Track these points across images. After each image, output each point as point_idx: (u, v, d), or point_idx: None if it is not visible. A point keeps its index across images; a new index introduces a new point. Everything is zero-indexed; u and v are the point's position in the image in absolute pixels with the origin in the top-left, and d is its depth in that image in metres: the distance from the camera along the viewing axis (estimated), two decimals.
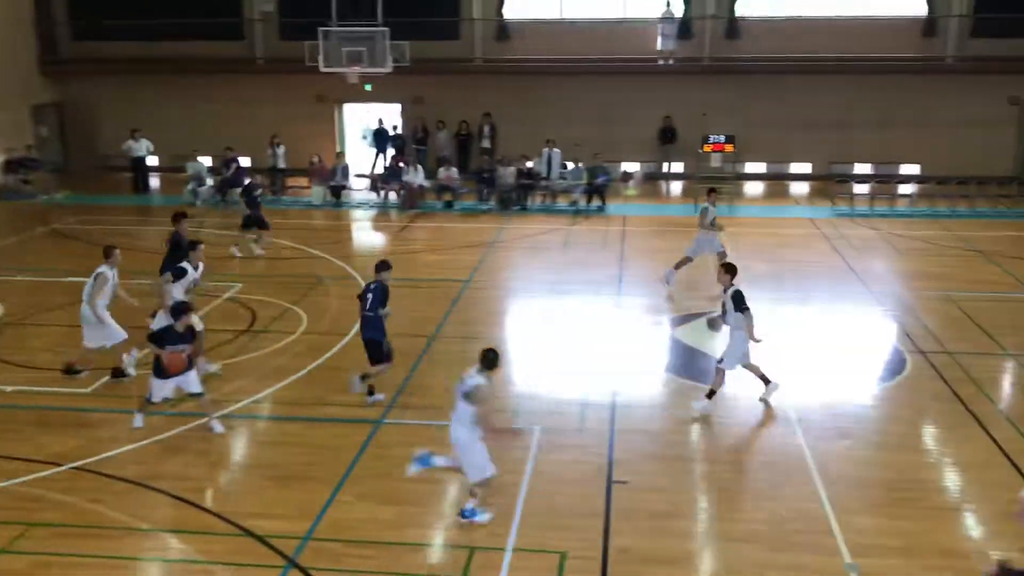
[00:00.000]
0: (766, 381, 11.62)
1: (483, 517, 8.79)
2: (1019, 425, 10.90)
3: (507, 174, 24.24)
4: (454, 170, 25.16)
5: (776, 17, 27.25)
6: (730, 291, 11.33)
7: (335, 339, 13.77)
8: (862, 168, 27.58)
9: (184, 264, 12.33)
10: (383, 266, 11.48)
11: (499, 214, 23.54)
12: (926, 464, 10.18)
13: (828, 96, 27.10)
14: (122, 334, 12.12)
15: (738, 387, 12.30)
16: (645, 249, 19.85)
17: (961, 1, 26.33)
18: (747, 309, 11.16)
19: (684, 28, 27.39)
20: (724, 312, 11.52)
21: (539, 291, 16.81)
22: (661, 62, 27.33)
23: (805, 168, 28.26)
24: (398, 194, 24.82)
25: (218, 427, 10.73)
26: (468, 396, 8.44)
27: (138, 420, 10.79)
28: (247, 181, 20.59)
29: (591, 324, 14.83)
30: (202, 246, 12.63)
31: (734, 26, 27.44)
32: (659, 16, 27.13)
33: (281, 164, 26.09)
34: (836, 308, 15.70)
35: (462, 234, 21.41)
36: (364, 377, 11.59)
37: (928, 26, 26.65)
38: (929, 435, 10.91)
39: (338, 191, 25.15)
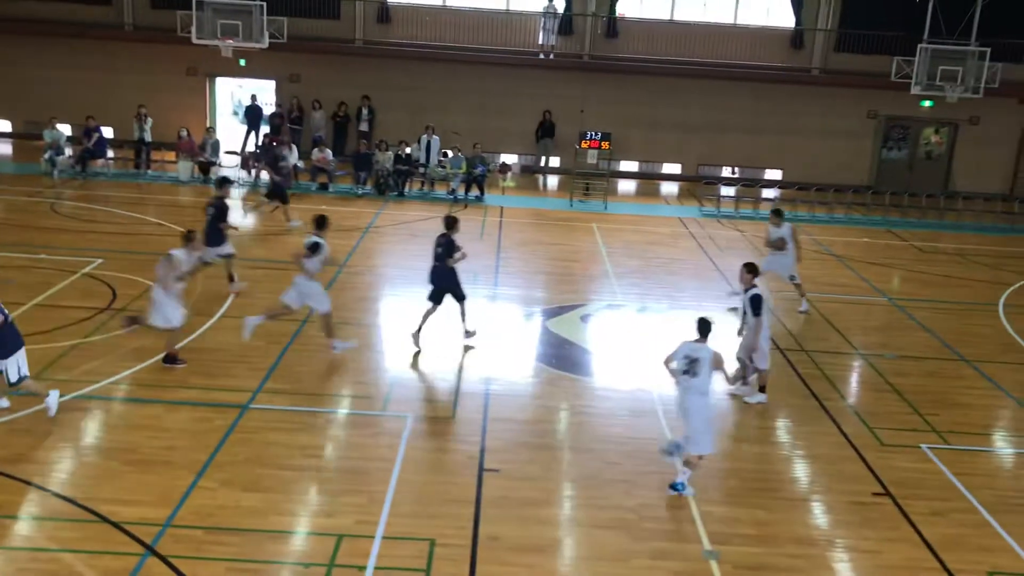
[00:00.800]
0: (744, 381, 11.98)
1: (690, 491, 9.33)
2: (867, 420, 11.54)
3: (385, 159, 23.96)
4: (329, 152, 24.67)
5: (654, 20, 27.89)
6: (749, 293, 11.53)
7: (200, 320, 13.29)
8: (729, 171, 28.59)
9: (319, 239, 12.34)
10: (453, 223, 13.14)
11: (375, 199, 23.24)
12: (781, 456, 10.64)
13: (700, 100, 27.95)
14: (179, 320, 11.67)
15: (609, 379, 12.58)
16: (522, 241, 19.99)
17: (827, 16, 27.61)
18: (759, 315, 11.39)
19: (565, 24, 27.71)
20: (744, 313, 11.72)
21: (415, 278, 16.64)
22: (542, 56, 27.56)
23: (675, 169, 29.07)
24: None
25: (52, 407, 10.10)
26: (716, 363, 9.36)
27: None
28: (275, 148, 20.17)
29: (469, 314, 14.82)
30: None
31: (613, 26, 27.94)
32: (541, 10, 27.34)
33: (147, 137, 24.95)
34: (701, 305, 16.19)
35: (337, 218, 20.85)
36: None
37: (796, 38, 27.83)
38: (784, 429, 11.40)
39: (206, 167, 24.25)
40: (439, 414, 10.92)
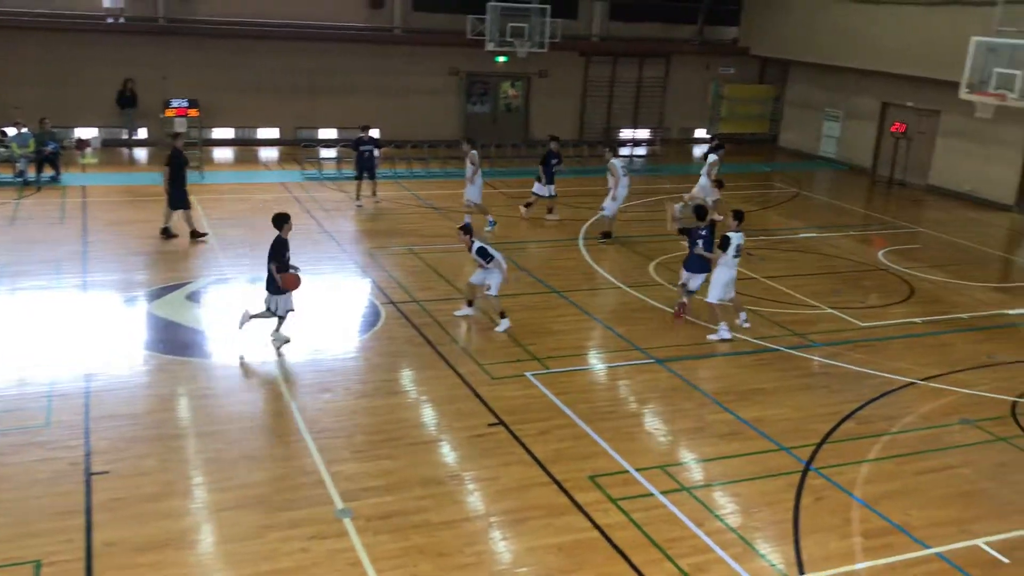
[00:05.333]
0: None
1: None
2: (478, 358, 12.32)
3: None
4: None
5: None
6: (476, 246, 13.34)
7: None
8: (327, 132, 28.58)
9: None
10: (703, 212, 14.16)
11: None
12: (405, 405, 11.01)
13: (289, 62, 27.49)
14: None
15: (226, 357, 12.12)
16: (111, 221, 18.41)
17: None
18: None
19: None
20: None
21: None
22: (111, 20, 25.32)
23: (273, 133, 28.46)
24: None
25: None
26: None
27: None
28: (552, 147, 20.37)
29: (55, 307, 13.43)
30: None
31: None
32: None
33: None
34: (315, 269, 16.13)
35: None
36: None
37: None
38: (405, 378, 11.81)
39: None
40: (31, 423, 9.80)
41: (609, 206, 18.91)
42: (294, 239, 17.91)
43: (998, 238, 21.52)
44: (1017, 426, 11.16)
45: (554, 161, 20.32)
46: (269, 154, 27.40)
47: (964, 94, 18.31)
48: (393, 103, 28.70)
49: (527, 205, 20.57)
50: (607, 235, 18.88)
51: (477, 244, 13.28)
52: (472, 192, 19.35)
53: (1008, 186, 24.29)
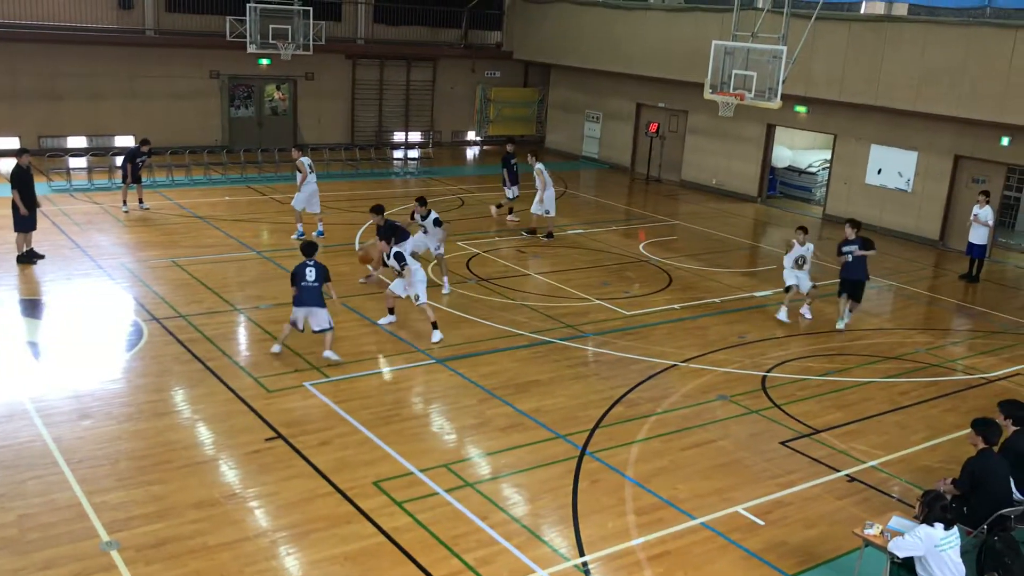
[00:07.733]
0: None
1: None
2: (252, 371, 11.88)
3: None
4: None
5: None
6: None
7: None
8: (76, 141, 26.60)
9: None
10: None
11: None
12: (174, 426, 10.42)
13: (26, 65, 25.36)
14: None
15: None
16: None
17: None
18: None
19: None
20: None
21: None
22: None
23: (12, 143, 26.08)
24: None
25: None
26: None
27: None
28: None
29: None
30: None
31: None
32: None
33: None
34: (69, 287, 14.99)
35: None
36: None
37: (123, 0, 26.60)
38: (173, 397, 11.18)
39: None
40: None
41: (538, 208, 19.73)
42: (48, 255, 16.61)
43: (744, 227, 23.37)
44: (767, 398, 12.17)
45: (513, 162, 21.30)
46: (8, 166, 25.08)
47: (708, 94, 19.62)
48: (149, 108, 27.16)
49: (499, 206, 21.43)
50: (550, 235, 19.97)
51: (395, 249, 13.18)
52: (298, 199, 18.86)
53: (750, 179, 26.48)
